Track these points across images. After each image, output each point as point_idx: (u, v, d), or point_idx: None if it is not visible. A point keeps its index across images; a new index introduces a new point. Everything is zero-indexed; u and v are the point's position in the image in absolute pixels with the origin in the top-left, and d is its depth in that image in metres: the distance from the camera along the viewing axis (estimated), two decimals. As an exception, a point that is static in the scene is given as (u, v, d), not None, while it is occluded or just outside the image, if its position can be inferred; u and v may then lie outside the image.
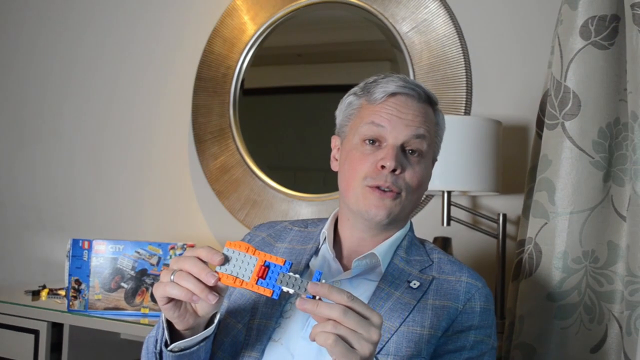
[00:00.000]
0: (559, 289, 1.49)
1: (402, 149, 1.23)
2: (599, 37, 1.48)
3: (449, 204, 1.88)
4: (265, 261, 0.98)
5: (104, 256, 1.93)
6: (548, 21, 1.91)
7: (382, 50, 2.28)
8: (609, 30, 1.48)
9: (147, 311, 1.94)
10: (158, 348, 1.11)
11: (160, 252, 1.95)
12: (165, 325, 1.08)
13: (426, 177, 1.27)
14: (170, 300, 1.02)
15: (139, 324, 1.87)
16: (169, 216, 2.65)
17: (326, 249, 1.28)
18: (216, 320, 1.10)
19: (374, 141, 1.23)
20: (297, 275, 0.96)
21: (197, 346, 1.10)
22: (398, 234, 1.28)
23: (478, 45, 2.13)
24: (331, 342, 0.90)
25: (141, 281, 1.94)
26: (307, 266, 1.28)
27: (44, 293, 2.24)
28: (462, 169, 1.78)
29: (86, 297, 1.92)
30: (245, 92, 2.49)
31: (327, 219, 1.34)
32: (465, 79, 2.10)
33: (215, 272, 0.99)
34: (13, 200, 3.01)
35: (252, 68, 2.47)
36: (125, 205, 2.74)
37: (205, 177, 2.53)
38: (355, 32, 2.35)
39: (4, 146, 3.07)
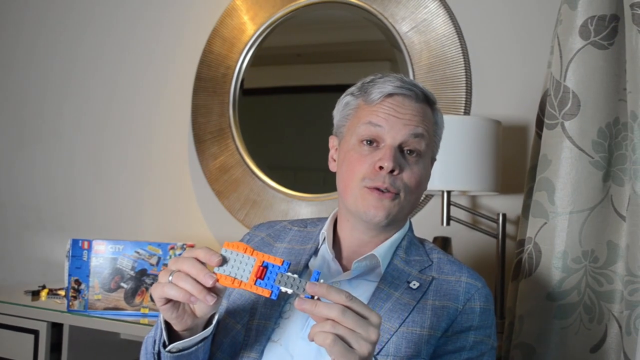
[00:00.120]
0: (558, 288, 1.49)
1: (400, 149, 1.22)
2: (599, 37, 1.48)
3: (449, 204, 1.88)
4: (264, 261, 0.98)
5: (103, 256, 1.93)
6: (548, 21, 1.91)
7: (382, 50, 2.28)
8: (608, 30, 1.48)
9: (146, 311, 1.94)
10: (156, 349, 1.11)
11: (160, 252, 1.95)
12: (163, 325, 1.08)
13: (425, 177, 1.27)
14: (169, 301, 1.01)
15: (139, 324, 1.87)
16: (168, 216, 2.65)
17: (325, 250, 1.27)
18: (214, 321, 1.10)
19: (371, 142, 1.23)
20: (295, 276, 0.96)
21: (196, 347, 1.10)
22: (397, 235, 1.27)
23: (478, 45, 2.12)
24: (330, 341, 0.90)
25: (141, 281, 1.94)
26: (307, 266, 1.27)
27: (43, 293, 2.24)
28: (461, 169, 1.78)
29: (86, 297, 1.92)
30: (245, 92, 2.49)
31: (326, 218, 1.34)
32: (464, 79, 2.10)
33: (213, 273, 0.98)
34: (13, 200, 3.01)
35: (251, 68, 2.47)
36: (125, 205, 2.74)
37: (205, 177, 2.53)
38: (354, 32, 2.35)
39: (4, 146, 3.07)
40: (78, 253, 1.93)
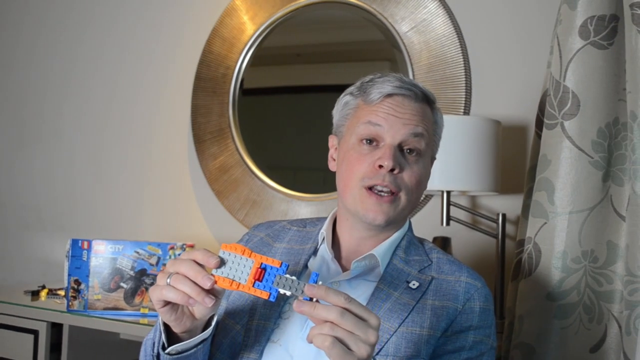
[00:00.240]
0: (558, 288, 1.49)
1: (400, 148, 1.22)
2: (598, 37, 1.48)
3: (449, 204, 1.87)
4: (262, 263, 0.98)
5: (103, 256, 1.93)
6: (547, 21, 1.91)
7: (382, 50, 2.28)
8: (608, 30, 1.48)
9: (146, 311, 1.94)
10: (156, 351, 1.10)
11: (160, 252, 1.95)
12: (162, 327, 1.07)
13: (425, 177, 1.27)
14: (167, 303, 1.01)
15: (139, 324, 1.87)
16: (168, 216, 2.65)
17: (325, 250, 1.27)
18: (214, 323, 1.10)
19: (371, 141, 1.23)
20: (293, 277, 0.96)
21: (195, 348, 1.09)
22: (397, 234, 1.27)
23: (477, 45, 2.12)
24: (328, 344, 0.90)
25: (140, 281, 1.94)
26: (306, 266, 1.27)
27: (43, 293, 2.24)
28: (461, 169, 1.78)
29: (85, 297, 1.92)
30: (245, 92, 2.49)
31: (325, 218, 1.34)
32: (464, 79, 2.09)
33: (212, 275, 0.98)
34: (13, 200, 3.01)
35: (251, 68, 2.47)
36: (125, 205, 2.74)
37: (204, 177, 2.53)
38: (354, 32, 2.35)
39: (4, 146, 3.07)
40: (78, 253, 1.93)
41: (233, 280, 0.97)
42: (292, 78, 2.50)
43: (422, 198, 1.34)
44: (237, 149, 2.45)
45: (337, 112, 1.32)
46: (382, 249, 1.25)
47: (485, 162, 1.80)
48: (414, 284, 1.21)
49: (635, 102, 1.39)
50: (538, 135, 1.61)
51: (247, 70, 2.47)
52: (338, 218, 1.31)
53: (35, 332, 1.99)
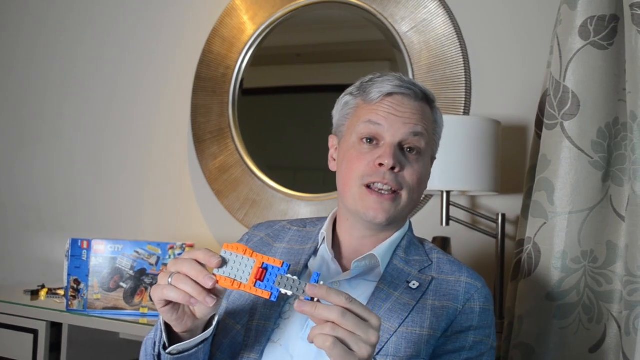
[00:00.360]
0: (557, 288, 1.49)
1: (400, 147, 1.22)
2: (598, 37, 1.48)
3: (448, 204, 1.88)
4: (263, 263, 0.98)
5: (103, 256, 1.93)
6: (547, 21, 1.91)
7: (382, 50, 2.28)
8: (608, 30, 1.48)
9: (146, 311, 1.94)
10: (156, 350, 1.10)
11: (159, 252, 1.95)
12: (163, 327, 1.08)
13: (425, 175, 1.27)
14: (169, 302, 1.01)
15: (138, 323, 1.87)
16: (168, 216, 2.65)
17: (325, 250, 1.27)
18: (214, 323, 1.10)
19: (371, 140, 1.23)
20: (295, 277, 0.96)
21: (196, 348, 1.10)
22: (397, 234, 1.27)
23: (477, 45, 2.12)
24: (329, 344, 0.90)
25: (140, 281, 1.94)
26: (306, 266, 1.27)
27: (43, 293, 2.24)
28: (461, 169, 1.78)
29: (85, 297, 1.92)
30: (245, 91, 2.49)
31: (325, 218, 1.34)
32: (464, 79, 2.09)
33: (213, 274, 0.98)
34: (13, 200, 3.01)
35: (251, 68, 2.47)
36: (125, 205, 2.74)
37: (204, 176, 2.53)
38: (354, 32, 2.35)
39: (4, 146, 3.07)
40: (77, 252, 1.93)
41: (234, 280, 0.98)
42: (292, 78, 2.50)
43: (422, 198, 1.34)
44: (237, 149, 2.45)
45: (337, 112, 1.32)
46: (382, 249, 1.25)
47: (485, 162, 1.80)
48: (414, 284, 1.22)
49: (635, 102, 1.39)
50: (538, 135, 1.61)
51: (247, 70, 2.47)
52: (338, 218, 1.31)
53: (34, 332, 1.99)
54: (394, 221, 1.24)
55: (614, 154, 1.49)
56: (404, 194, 1.22)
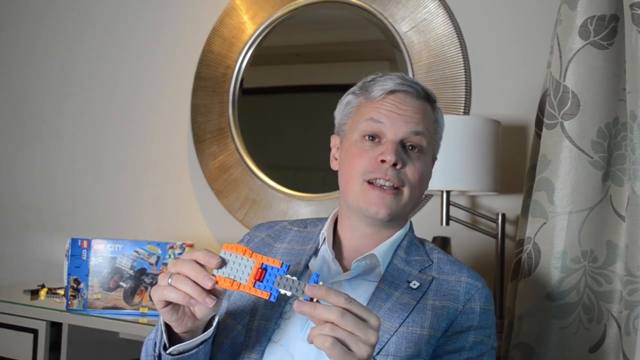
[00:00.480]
0: (557, 288, 1.49)
1: (402, 145, 1.23)
2: (598, 37, 1.48)
3: (448, 204, 1.88)
4: (263, 264, 0.98)
5: (102, 255, 1.93)
6: (547, 21, 1.91)
7: (381, 50, 2.28)
8: (608, 30, 1.48)
9: (145, 310, 1.94)
10: (157, 351, 1.10)
11: (159, 252, 1.95)
12: (163, 328, 1.08)
13: (427, 174, 1.27)
14: (169, 303, 1.01)
15: (138, 323, 1.87)
16: (168, 215, 2.65)
17: (325, 250, 1.27)
18: (215, 323, 1.10)
19: (373, 137, 1.24)
20: (294, 278, 0.96)
21: (196, 349, 1.10)
22: (398, 234, 1.28)
23: (477, 45, 2.12)
24: (329, 344, 0.90)
25: (140, 280, 1.94)
26: (307, 267, 1.27)
27: (42, 292, 2.24)
28: (461, 169, 1.78)
29: (85, 297, 1.93)
30: (245, 91, 2.49)
31: (326, 218, 1.34)
32: (464, 79, 2.09)
33: (213, 275, 0.98)
34: (13, 200, 3.01)
35: (251, 67, 2.47)
36: (125, 205, 2.74)
37: (204, 176, 2.53)
38: (354, 31, 2.35)
39: (4, 146, 3.07)
40: (77, 252, 1.93)
41: (234, 281, 0.98)
42: (291, 78, 2.50)
43: (422, 198, 1.34)
44: (236, 149, 2.45)
45: (339, 112, 1.33)
46: (382, 248, 1.25)
47: (485, 162, 1.80)
48: (414, 284, 1.22)
49: (635, 102, 1.39)
50: (538, 135, 1.61)
51: (247, 69, 2.47)
52: (339, 217, 1.32)
53: (34, 331, 1.99)
54: (396, 217, 1.24)
55: (614, 154, 1.49)
56: (405, 191, 1.22)
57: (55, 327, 2.00)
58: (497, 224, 1.87)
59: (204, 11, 2.59)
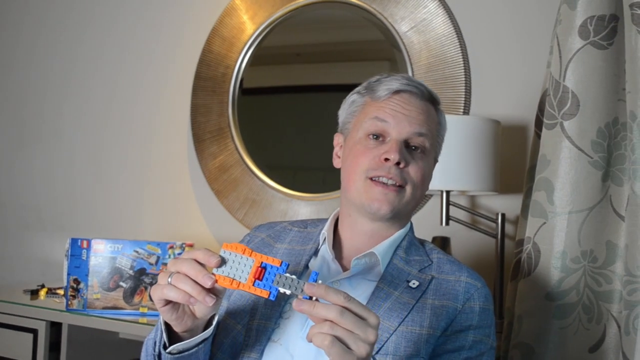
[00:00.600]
0: (557, 288, 1.49)
1: (406, 144, 1.24)
2: (598, 37, 1.48)
3: (448, 204, 1.88)
4: (262, 262, 0.98)
5: (102, 255, 1.93)
6: (547, 21, 1.91)
7: (381, 50, 2.28)
8: (607, 30, 1.48)
9: (145, 310, 1.94)
10: (157, 350, 1.11)
11: (159, 252, 1.95)
12: (163, 327, 1.08)
13: (429, 175, 1.29)
14: (168, 302, 1.02)
15: (138, 323, 1.87)
16: (168, 215, 2.65)
17: (325, 250, 1.28)
18: (214, 322, 1.10)
19: (377, 136, 1.25)
20: (293, 276, 0.96)
21: (196, 348, 1.10)
22: (398, 234, 1.28)
23: (477, 45, 2.12)
24: (328, 343, 0.90)
25: (140, 280, 1.94)
26: (307, 267, 1.28)
27: (42, 292, 2.24)
28: (460, 169, 1.78)
29: (85, 297, 1.93)
30: (244, 91, 2.49)
31: (326, 219, 1.35)
32: (464, 79, 2.10)
33: (212, 274, 0.99)
34: (13, 200, 3.01)
35: (251, 67, 2.47)
36: (125, 205, 2.74)
37: (204, 176, 2.53)
38: (354, 31, 2.35)
39: (4, 146, 3.07)
40: (77, 252, 1.93)
41: (233, 279, 0.98)
42: (291, 78, 2.50)
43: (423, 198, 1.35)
44: (236, 149, 2.45)
45: (343, 111, 1.34)
46: (382, 247, 1.25)
47: (485, 162, 1.80)
48: (413, 283, 1.22)
49: (634, 102, 1.39)
50: (537, 135, 1.61)
51: (247, 69, 2.47)
52: (340, 216, 1.32)
53: (34, 331, 1.99)
54: (397, 215, 1.25)
55: (613, 154, 1.49)
56: (408, 189, 1.23)
57: (55, 327, 2.00)
58: (496, 224, 1.87)
59: (204, 11, 2.59)
